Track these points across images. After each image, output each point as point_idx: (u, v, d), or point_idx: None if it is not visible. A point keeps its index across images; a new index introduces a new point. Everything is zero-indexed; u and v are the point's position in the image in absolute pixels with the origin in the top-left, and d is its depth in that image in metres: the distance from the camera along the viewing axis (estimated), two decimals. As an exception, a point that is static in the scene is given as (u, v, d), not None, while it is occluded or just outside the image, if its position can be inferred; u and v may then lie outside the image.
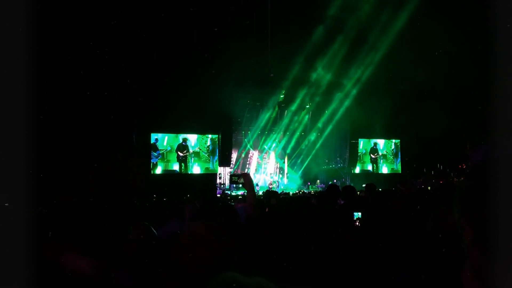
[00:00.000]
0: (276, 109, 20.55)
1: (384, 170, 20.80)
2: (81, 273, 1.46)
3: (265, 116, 20.69)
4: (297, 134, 21.88)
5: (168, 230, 3.09)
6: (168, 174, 16.91)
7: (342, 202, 5.57)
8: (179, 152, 17.20)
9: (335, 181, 19.52)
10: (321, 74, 17.63)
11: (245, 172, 18.98)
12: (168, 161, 17.06)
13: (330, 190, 4.75)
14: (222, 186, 18.85)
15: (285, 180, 22.23)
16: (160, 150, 16.94)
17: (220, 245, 1.54)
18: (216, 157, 17.90)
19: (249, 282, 0.79)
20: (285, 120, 21.30)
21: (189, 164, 17.42)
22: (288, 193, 16.91)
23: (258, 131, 21.33)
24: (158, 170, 16.90)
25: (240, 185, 3.64)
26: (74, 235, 1.64)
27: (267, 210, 5.47)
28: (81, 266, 1.49)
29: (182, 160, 17.26)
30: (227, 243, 1.57)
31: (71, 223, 1.67)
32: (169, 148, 17.07)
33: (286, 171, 22.69)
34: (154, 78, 13.90)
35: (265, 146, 22.14)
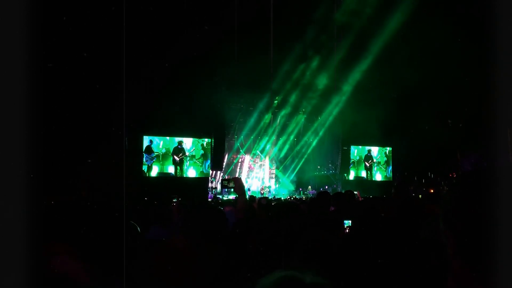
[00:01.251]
0: (270, 114, 20.57)
1: (378, 177, 20.83)
2: (73, 276, 1.45)
3: (259, 121, 20.69)
4: (290, 139, 21.92)
5: (151, 236, 3.06)
6: (162, 176, 16.82)
7: (333, 208, 5.56)
8: (175, 156, 17.12)
9: (326, 187, 19.53)
10: (315, 80, 17.71)
11: (236, 176, 18.98)
12: (163, 163, 16.98)
13: (321, 197, 4.74)
14: (214, 190, 18.79)
15: (277, 186, 22.22)
16: (155, 152, 16.86)
17: (198, 259, 1.53)
18: (209, 161, 17.83)
19: (305, 278, 0.79)
20: (278, 126, 21.34)
21: (185, 168, 17.33)
22: (280, 198, 16.89)
23: (251, 136, 21.33)
24: (154, 172, 16.81)
25: (232, 190, 3.64)
26: (72, 237, 1.63)
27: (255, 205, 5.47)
28: (74, 269, 1.48)
29: (178, 163, 17.17)
30: (207, 256, 1.56)
31: (70, 226, 1.66)
32: (164, 151, 17.00)
33: (278, 176, 22.69)
34: (147, 81, 13.85)
35: (257, 151, 22.14)
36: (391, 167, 20.85)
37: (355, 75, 17.07)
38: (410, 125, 17.42)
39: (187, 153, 17.33)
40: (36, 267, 1.48)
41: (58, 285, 1.43)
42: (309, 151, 21.47)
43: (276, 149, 22.38)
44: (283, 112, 20.41)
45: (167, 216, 3.50)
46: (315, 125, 20.75)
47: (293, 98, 19.02)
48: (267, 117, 20.74)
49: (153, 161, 16.77)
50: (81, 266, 1.52)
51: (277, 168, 22.76)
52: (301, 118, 21.06)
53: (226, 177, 19.70)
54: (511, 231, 0.75)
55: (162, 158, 16.92)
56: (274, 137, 21.93)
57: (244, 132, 21.00)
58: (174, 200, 5.32)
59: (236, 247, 2.48)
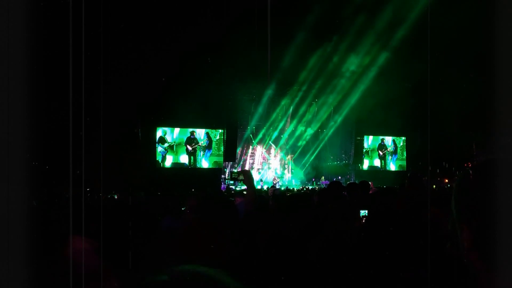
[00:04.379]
0: (283, 104, 20.52)
1: (392, 167, 20.70)
2: (93, 271, 1.46)
3: (271, 111, 20.65)
4: (303, 130, 21.85)
5: (163, 226, 3.08)
6: (176, 167, 16.97)
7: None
8: (188, 146, 17.26)
9: (339, 178, 19.47)
10: (328, 69, 17.56)
11: (246, 169, 19.09)
12: (177, 153, 17.13)
13: (332, 187, 4.71)
14: (226, 181, 18.89)
15: (289, 176, 22.20)
16: (169, 143, 17.02)
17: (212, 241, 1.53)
18: (220, 152, 17.91)
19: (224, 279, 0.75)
20: (291, 116, 21.27)
21: (198, 158, 17.47)
22: (293, 189, 16.88)
23: (264, 127, 21.31)
24: (168, 162, 16.95)
25: (242, 182, 3.68)
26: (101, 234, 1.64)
27: (270, 203, 5.49)
28: (96, 264, 1.49)
29: (191, 153, 17.32)
30: (220, 240, 1.56)
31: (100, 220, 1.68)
32: (177, 141, 17.16)
33: (290, 167, 22.66)
34: (160, 72, 13.89)
35: (270, 142, 22.12)
36: (404, 156, 20.69)
37: (370, 64, 16.90)
38: (425, 115, 17.22)
39: (200, 143, 17.45)
40: (56, 259, 1.49)
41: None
42: (323, 141, 21.38)
43: (289, 139, 22.33)
44: (296, 102, 20.33)
45: (179, 207, 3.53)
46: (327, 114, 20.62)
47: (306, 88, 18.91)
48: (280, 107, 20.69)
49: (167, 152, 16.93)
50: (97, 257, 1.53)
51: (290, 158, 22.73)
52: (314, 108, 20.94)
53: (238, 169, 19.78)
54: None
55: (176, 148, 17.08)
56: (287, 128, 21.87)
57: (257, 123, 20.97)
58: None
59: (246, 239, 2.49)
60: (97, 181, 11.50)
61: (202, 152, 17.53)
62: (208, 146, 17.65)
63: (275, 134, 21.95)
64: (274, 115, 20.94)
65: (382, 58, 16.31)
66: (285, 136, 22.23)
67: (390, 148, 20.71)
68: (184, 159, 17.25)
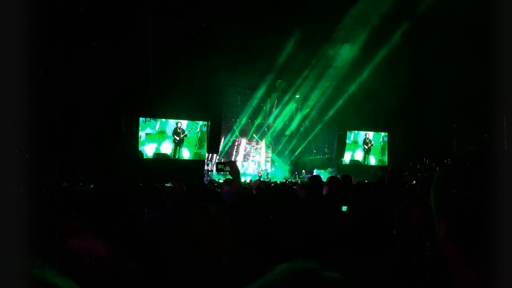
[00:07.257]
0: (267, 97, 20.48)
1: (372, 161, 20.85)
2: (93, 256, 1.46)
3: (256, 104, 20.58)
4: (287, 123, 21.88)
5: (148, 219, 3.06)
6: (158, 158, 16.80)
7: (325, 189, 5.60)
8: (175, 136, 17.13)
9: (322, 171, 19.59)
10: (313, 63, 17.58)
11: (232, 160, 19.04)
12: (159, 143, 16.97)
13: (313, 182, 4.75)
14: (209, 173, 18.84)
15: (273, 169, 22.27)
16: (151, 133, 16.87)
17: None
18: (203, 143, 17.83)
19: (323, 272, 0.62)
20: (275, 109, 21.27)
21: (181, 149, 17.36)
22: (275, 182, 16.95)
23: (248, 120, 21.26)
24: (150, 152, 16.79)
25: (227, 173, 3.70)
26: (92, 217, 1.64)
27: (254, 192, 5.53)
28: (94, 248, 1.48)
29: (178, 144, 17.20)
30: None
31: (91, 206, 1.67)
32: (160, 131, 17.01)
33: (274, 160, 22.73)
34: (144, 63, 13.72)
35: (254, 135, 22.12)
36: (386, 151, 20.87)
37: (353, 59, 16.95)
38: (407, 111, 17.43)
39: (185, 133, 17.37)
40: (53, 247, 1.48)
41: (80, 263, 1.43)
42: (307, 134, 21.45)
43: (273, 132, 22.36)
44: (280, 96, 20.32)
45: (160, 199, 3.51)
46: (309, 108, 20.66)
47: (290, 81, 18.91)
48: (264, 100, 20.63)
49: (148, 139, 16.72)
50: (103, 242, 1.53)
51: (273, 151, 22.78)
52: (298, 102, 20.96)
53: (222, 160, 19.74)
54: (503, 216, 0.75)
55: (158, 137, 16.93)
56: (271, 121, 21.88)
57: (241, 115, 20.92)
58: (168, 185, 5.29)
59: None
60: (78, 170, 11.37)
61: (185, 143, 17.44)
62: (202, 138, 17.62)
63: (259, 127, 21.95)
64: (255, 105, 20.72)
65: (366, 55, 16.39)
66: (269, 130, 22.26)
67: (375, 142, 20.84)
68: (165, 149, 17.09)
